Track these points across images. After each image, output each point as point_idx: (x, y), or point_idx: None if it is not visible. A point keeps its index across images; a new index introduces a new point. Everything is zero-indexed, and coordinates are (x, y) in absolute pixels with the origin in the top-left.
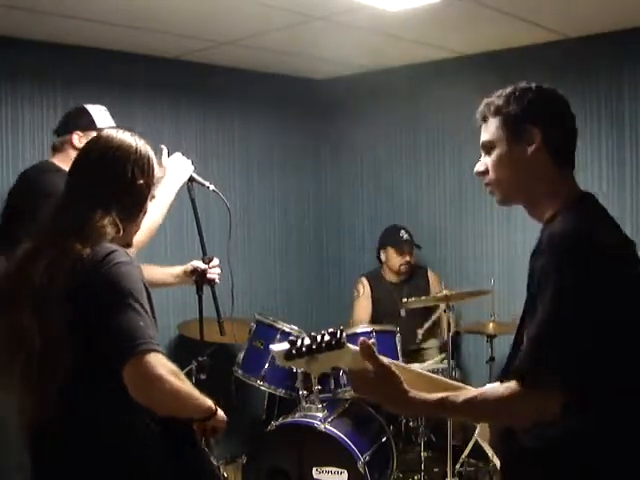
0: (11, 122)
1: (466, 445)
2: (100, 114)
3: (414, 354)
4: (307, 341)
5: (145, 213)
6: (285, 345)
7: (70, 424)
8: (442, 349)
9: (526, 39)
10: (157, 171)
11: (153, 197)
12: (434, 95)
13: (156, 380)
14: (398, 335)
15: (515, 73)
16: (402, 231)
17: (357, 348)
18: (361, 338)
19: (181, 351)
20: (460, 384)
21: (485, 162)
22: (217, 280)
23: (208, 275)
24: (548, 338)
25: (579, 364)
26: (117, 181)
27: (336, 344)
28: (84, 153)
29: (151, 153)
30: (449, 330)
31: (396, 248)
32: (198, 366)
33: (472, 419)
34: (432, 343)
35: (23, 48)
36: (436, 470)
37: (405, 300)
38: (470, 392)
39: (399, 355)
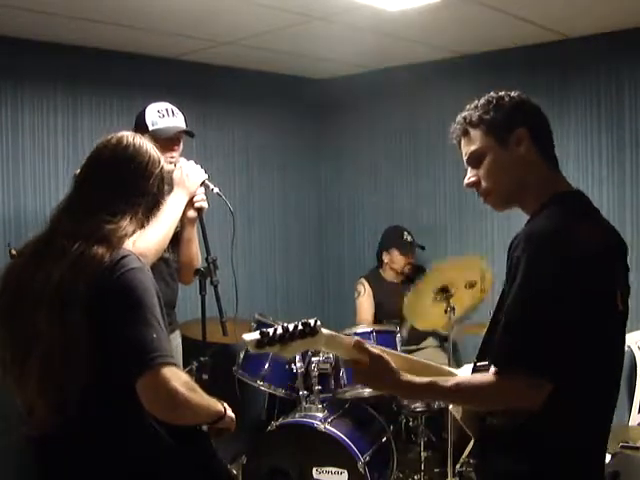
0: (11, 122)
1: (466, 445)
2: (155, 115)
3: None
4: (280, 330)
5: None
6: (256, 335)
7: (85, 426)
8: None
9: (526, 39)
10: (168, 172)
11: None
12: (434, 95)
13: (170, 394)
14: (398, 335)
15: (515, 73)
16: (405, 233)
17: (331, 333)
18: (355, 338)
19: (182, 351)
20: (452, 369)
21: (475, 173)
22: (204, 205)
23: (196, 204)
24: (525, 329)
25: (555, 358)
26: (134, 182)
27: (310, 332)
28: (97, 154)
29: (160, 157)
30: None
31: (401, 250)
32: (200, 366)
33: (458, 403)
34: (430, 342)
35: (23, 48)
36: (436, 470)
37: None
38: (458, 378)
39: None
